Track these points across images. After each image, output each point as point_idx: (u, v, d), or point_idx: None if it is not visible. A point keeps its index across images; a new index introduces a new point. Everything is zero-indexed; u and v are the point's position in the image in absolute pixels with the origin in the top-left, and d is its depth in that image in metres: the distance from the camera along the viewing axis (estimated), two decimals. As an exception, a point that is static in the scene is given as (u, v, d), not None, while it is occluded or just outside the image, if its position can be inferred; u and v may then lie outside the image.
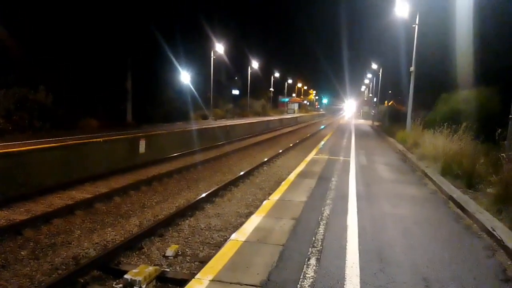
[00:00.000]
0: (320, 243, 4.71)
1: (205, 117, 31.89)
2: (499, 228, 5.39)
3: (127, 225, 7.62)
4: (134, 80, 23.99)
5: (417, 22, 18.12)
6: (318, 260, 4.17)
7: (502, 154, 6.97)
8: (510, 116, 7.44)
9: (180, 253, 6.18)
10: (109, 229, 7.36)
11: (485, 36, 17.22)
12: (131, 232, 7.16)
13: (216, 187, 10.39)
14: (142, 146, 14.75)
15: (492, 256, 4.67)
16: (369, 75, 60.41)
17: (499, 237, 5.06)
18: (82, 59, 20.31)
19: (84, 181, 10.95)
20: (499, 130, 7.36)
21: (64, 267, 5.70)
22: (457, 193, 7.61)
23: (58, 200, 9.11)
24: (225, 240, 5.19)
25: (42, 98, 17.19)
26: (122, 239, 6.77)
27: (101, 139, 13.18)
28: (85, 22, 20.66)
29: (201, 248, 6.44)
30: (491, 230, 5.36)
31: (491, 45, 16.60)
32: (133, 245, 6.45)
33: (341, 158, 13.18)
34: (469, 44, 17.73)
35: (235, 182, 11.43)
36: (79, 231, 7.16)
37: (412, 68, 18.60)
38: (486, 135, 9.25)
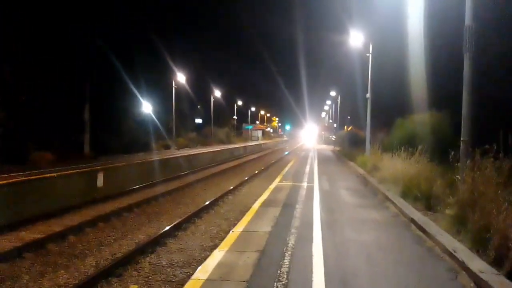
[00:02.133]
0: (285, 276, 4.56)
1: (167, 147, 31.33)
2: (459, 250, 5.48)
3: (82, 266, 7.12)
4: (93, 110, 23.27)
5: (370, 51, 19.03)
6: (284, 295, 4.01)
7: (457, 176, 7.21)
8: (461, 139, 7.75)
9: (140, 294, 5.81)
10: (62, 271, 6.83)
11: (437, 63, 18.28)
12: (86, 274, 6.68)
13: (178, 220, 10.03)
14: (100, 180, 14.12)
15: (455, 279, 4.71)
16: (329, 102, 62.39)
17: (460, 259, 5.13)
18: (35, 88, 19.47)
19: (36, 220, 10.24)
20: (452, 152, 7.64)
21: (8, 319, 5.17)
22: (417, 216, 7.75)
23: (5, 243, 8.40)
24: (189, 277, 4.92)
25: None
26: (76, 281, 6.30)
27: (55, 174, 12.50)
28: (38, 48, 19.96)
29: (162, 287, 6.10)
30: (452, 252, 5.43)
31: (441, 71, 17.61)
32: (88, 288, 6.00)
33: (305, 184, 13.23)
34: (422, 70, 18.73)
35: (199, 213, 11.11)
36: (27, 276, 6.58)
37: (368, 95, 19.35)
38: (441, 157, 9.60)
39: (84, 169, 14.31)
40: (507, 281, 4.33)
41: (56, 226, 9.81)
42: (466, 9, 7.54)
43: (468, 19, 7.51)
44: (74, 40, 22.19)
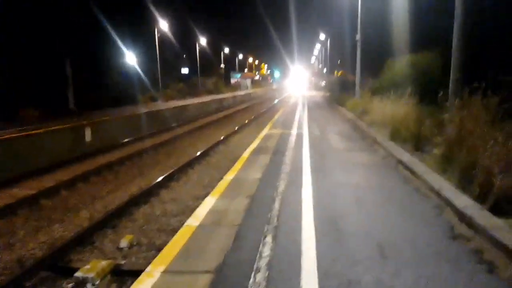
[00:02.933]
0: (275, 219, 4.66)
1: (154, 99, 30.80)
2: (445, 187, 5.61)
3: (76, 219, 7.22)
4: (75, 64, 22.47)
5: (360, -10, 18.26)
6: (274, 237, 4.11)
7: (445, 115, 7.23)
8: (451, 77, 7.69)
9: (135, 243, 5.94)
10: (57, 225, 6.93)
11: (424, 3, 17.72)
12: (81, 227, 6.79)
13: (170, 171, 10.09)
14: (88, 135, 13.97)
15: (440, 215, 4.86)
16: (319, 46, 61.09)
17: (445, 196, 5.27)
18: (12, 42, 18.60)
19: (27, 176, 10.22)
20: (441, 92, 7.60)
21: (8, 272, 5.28)
22: (406, 156, 7.86)
23: (-3, 200, 8.42)
24: (182, 225, 5.00)
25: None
26: (72, 234, 6.40)
27: (42, 130, 12.30)
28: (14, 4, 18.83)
29: (157, 236, 6.23)
30: (438, 190, 5.57)
31: (433, 8, 17.12)
32: (84, 240, 6.12)
33: (295, 131, 13.25)
34: (410, 9, 18.19)
35: (191, 164, 11.17)
36: (23, 231, 6.67)
37: (357, 37, 18.88)
38: (430, 98, 9.56)
39: (70, 124, 14.07)
40: (489, 214, 4.48)
41: (47, 181, 9.81)
42: None
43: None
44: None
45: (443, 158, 6.60)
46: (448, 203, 5.11)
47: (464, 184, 5.49)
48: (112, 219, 6.89)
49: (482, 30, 13.35)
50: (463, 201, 4.99)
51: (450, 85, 7.57)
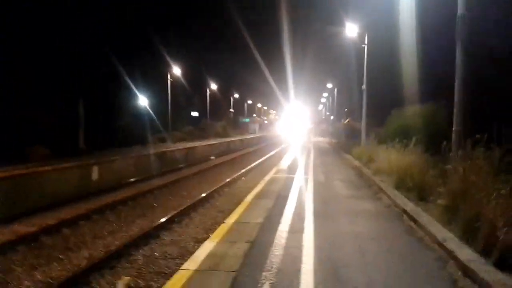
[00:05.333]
0: (274, 266, 4.58)
1: (163, 140, 31.22)
2: (449, 239, 5.50)
3: (75, 258, 7.15)
4: (87, 104, 23.12)
5: (365, 42, 18.96)
6: (272, 285, 4.03)
7: (448, 166, 7.22)
8: (453, 129, 7.78)
9: (132, 285, 5.83)
10: (55, 264, 6.87)
11: (435, 54, 18.22)
12: (79, 266, 6.71)
13: (173, 212, 10.05)
14: (95, 173, 14.10)
15: (443, 268, 4.74)
16: (326, 94, 62.39)
17: (449, 248, 5.16)
18: (27, 81, 19.29)
19: (30, 213, 10.24)
20: (445, 142, 7.66)
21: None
22: (410, 206, 7.78)
23: (-2, 236, 8.40)
24: (180, 269, 4.93)
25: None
26: (69, 274, 6.31)
27: (49, 168, 12.46)
28: (30, 42, 19.74)
29: (155, 279, 6.13)
30: (442, 241, 5.46)
31: (439, 62, 17.58)
32: (80, 280, 6.03)
33: (300, 175, 13.25)
34: (419, 62, 18.71)
35: (194, 206, 11.13)
36: (20, 269, 6.61)
37: (363, 86, 19.32)
38: (435, 148, 9.61)
39: (78, 163, 14.25)
40: (494, 269, 4.36)
41: (50, 219, 9.80)
42: (458, -1, 7.53)
43: (460, 8, 7.50)
44: (67, 37, 21.98)
45: (447, 208, 6.51)
46: (452, 256, 4.99)
47: (468, 236, 5.38)
48: (111, 260, 6.81)
49: (488, 84, 13.66)
50: (467, 254, 4.87)
51: (453, 135, 7.64)
